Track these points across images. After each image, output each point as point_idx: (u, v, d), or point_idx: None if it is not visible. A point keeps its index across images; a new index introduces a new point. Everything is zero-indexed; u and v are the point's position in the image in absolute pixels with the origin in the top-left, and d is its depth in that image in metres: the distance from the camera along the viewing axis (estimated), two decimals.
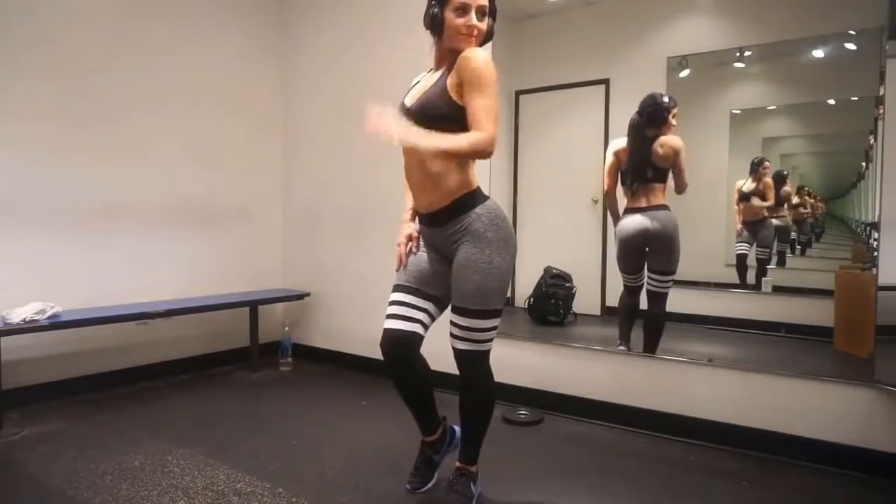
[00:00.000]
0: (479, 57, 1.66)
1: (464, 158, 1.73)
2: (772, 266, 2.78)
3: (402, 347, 1.81)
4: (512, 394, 2.93)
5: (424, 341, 1.85)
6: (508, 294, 3.41)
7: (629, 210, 2.83)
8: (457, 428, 2.03)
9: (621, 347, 2.78)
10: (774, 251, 2.79)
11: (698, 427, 2.47)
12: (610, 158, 2.89)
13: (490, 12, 1.76)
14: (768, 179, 2.77)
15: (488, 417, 1.87)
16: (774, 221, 2.79)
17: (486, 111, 1.64)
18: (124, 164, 3.18)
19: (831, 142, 2.71)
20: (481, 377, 1.83)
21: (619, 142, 2.86)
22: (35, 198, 2.86)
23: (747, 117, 2.83)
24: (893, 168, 2.09)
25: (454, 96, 1.69)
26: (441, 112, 1.71)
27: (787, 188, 2.76)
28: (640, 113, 2.76)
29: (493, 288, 1.73)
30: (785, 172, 2.75)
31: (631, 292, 2.87)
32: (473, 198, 1.76)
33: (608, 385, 2.71)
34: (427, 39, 1.83)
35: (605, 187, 2.95)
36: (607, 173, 2.92)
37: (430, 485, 2.01)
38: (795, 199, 2.76)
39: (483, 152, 1.63)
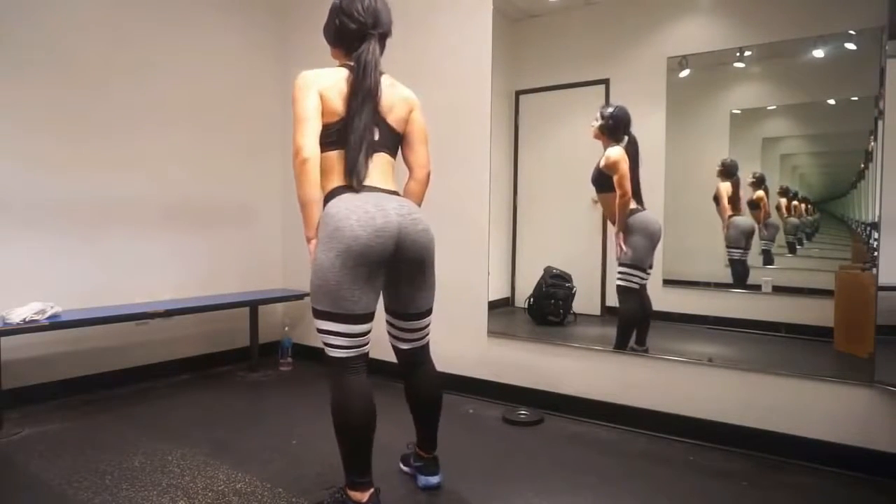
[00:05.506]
0: None
1: (298, 178, 1.90)
2: (754, 266, 2.80)
3: None
4: (512, 394, 2.93)
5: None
6: (508, 294, 3.43)
7: (638, 210, 2.83)
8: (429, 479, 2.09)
9: (643, 348, 2.75)
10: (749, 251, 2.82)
11: (698, 427, 2.47)
12: (626, 164, 2.80)
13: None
14: (722, 184, 2.82)
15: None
16: (738, 221, 2.81)
17: None
18: (124, 163, 3.18)
19: (831, 142, 2.71)
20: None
21: (619, 150, 2.82)
22: (35, 198, 2.86)
23: (747, 117, 2.82)
24: (893, 168, 2.09)
25: None
26: None
27: (748, 190, 2.79)
28: (628, 124, 2.82)
29: (313, 284, 1.80)
30: (755, 175, 2.77)
31: (642, 290, 2.84)
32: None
33: (608, 385, 2.71)
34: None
35: (630, 192, 2.80)
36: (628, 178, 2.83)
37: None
38: (783, 200, 2.76)
39: (296, 169, 1.89)
